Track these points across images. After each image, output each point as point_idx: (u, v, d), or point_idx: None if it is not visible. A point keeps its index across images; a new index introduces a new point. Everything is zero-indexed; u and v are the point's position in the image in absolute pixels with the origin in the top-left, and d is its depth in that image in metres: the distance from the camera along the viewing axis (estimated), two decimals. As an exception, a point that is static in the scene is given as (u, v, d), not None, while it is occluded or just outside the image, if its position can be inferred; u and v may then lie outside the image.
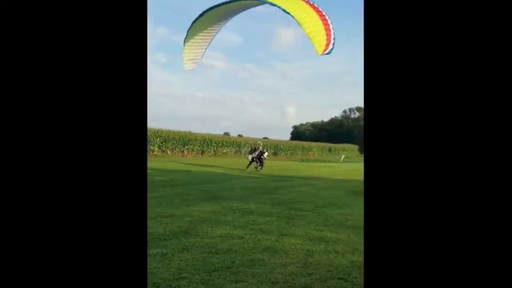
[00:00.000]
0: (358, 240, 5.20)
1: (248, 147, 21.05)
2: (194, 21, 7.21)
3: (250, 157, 18.12)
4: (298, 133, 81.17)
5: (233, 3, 6.79)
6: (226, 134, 48.12)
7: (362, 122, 75.68)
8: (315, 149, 47.84)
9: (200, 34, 7.56)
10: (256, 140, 41.39)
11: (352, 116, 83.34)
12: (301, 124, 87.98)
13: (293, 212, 7.21)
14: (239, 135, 47.51)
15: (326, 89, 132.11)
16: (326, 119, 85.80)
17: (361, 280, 3.66)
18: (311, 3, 5.97)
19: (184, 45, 7.57)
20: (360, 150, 60.45)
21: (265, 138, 52.95)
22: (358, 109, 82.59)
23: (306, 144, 48.36)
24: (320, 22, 5.73)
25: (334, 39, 5.63)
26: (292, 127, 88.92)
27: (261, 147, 18.80)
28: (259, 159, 17.94)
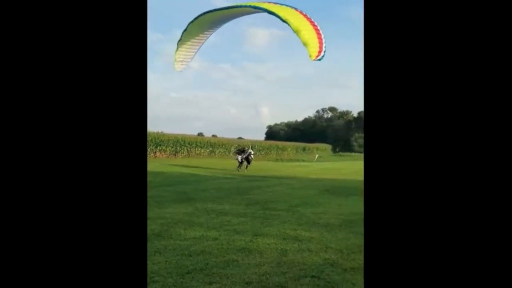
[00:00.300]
0: (330, 238, 5.29)
1: (235, 148, 22.07)
2: (189, 24, 7.49)
3: (239, 157, 19.01)
4: (273, 133, 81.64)
5: (230, 10, 7.16)
6: (200, 134, 47.70)
7: (335, 122, 77.28)
8: (289, 149, 48.29)
9: (193, 37, 7.90)
10: (230, 140, 41.35)
11: (325, 116, 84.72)
12: (276, 124, 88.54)
13: (268, 212, 7.24)
14: (213, 136, 47.26)
15: (299, 90, 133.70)
16: (300, 119, 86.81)
17: (334, 277, 3.73)
18: (305, 14, 6.58)
19: (177, 47, 7.88)
20: (333, 150, 61.71)
21: (240, 138, 52.87)
22: (330, 109, 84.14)
23: (280, 144, 48.72)
24: (314, 31, 6.40)
25: (325, 47, 6.36)
26: (267, 127, 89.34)
27: (247, 148, 19.87)
28: (247, 159, 18.99)
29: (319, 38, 6.49)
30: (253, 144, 31.59)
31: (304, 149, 51.85)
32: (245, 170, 18.72)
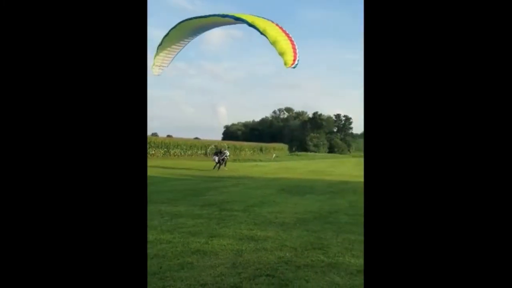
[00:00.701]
0: (286, 236, 5.38)
1: (213, 149, 23.12)
2: (171, 29, 7.81)
3: (216, 158, 20.11)
4: (230, 133, 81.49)
5: (209, 18, 7.59)
6: (154, 134, 46.35)
7: (291, 122, 78.77)
8: (246, 149, 48.48)
9: (173, 43, 8.25)
10: (186, 140, 40.61)
11: (282, 116, 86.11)
12: (233, 124, 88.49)
13: (224, 213, 7.20)
14: (168, 136, 46.16)
15: (256, 90, 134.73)
16: (257, 119, 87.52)
17: (287, 275, 3.80)
18: (280, 26, 7.38)
19: (156, 51, 8.21)
20: (289, 149, 62.91)
21: (196, 138, 52.14)
22: (287, 109, 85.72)
23: (238, 144, 48.75)
24: (289, 42, 7.18)
25: (299, 55, 7.17)
26: (224, 127, 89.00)
27: (224, 149, 21.15)
28: (223, 159, 20.25)
29: (293, 48, 7.26)
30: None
31: (261, 149, 52.30)
32: (225, 168, 19.82)
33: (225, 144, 23.16)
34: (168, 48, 8.35)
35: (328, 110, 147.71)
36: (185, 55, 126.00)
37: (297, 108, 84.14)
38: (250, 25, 7.08)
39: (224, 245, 4.83)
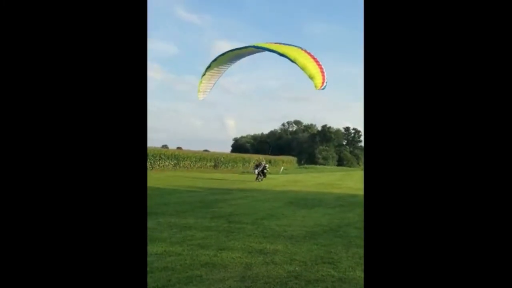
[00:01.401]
0: (295, 250, 5.33)
1: (254, 163, 26.22)
2: (212, 62, 9.71)
3: (256, 171, 22.21)
4: (239, 146, 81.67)
5: (244, 49, 9.32)
6: (164, 146, 46.74)
7: (300, 135, 78.67)
8: (255, 161, 48.47)
9: (214, 72, 10.11)
10: (195, 152, 40.82)
11: (290, 129, 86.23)
12: (242, 137, 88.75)
13: (232, 225, 7.17)
14: (178, 148, 46.45)
15: (264, 103, 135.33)
16: (266, 131, 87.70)
17: (297, 289, 3.74)
18: (309, 52, 8.64)
19: (200, 80, 10.12)
20: (298, 162, 62.65)
21: (206, 150, 52.32)
22: (295, 122, 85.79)
23: (246, 156, 48.79)
24: (317, 66, 8.46)
25: (327, 78, 8.43)
26: (233, 140, 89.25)
27: (263, 162, 23.14)
28: (263, 172, 22.10)
29: (322, 71, 8.50)
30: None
31: (270, 161, 52.24)
32: (261, 180, 21.69)
33: (262, 158, 26.18)
34: (210, 77, 10.14)
35: (337, 123, 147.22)
36: (194, 69, 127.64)
37: (305, 121, 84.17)
38: (281, 54, 8.42)
39: (233, 258, 4.80)
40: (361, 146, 78.26)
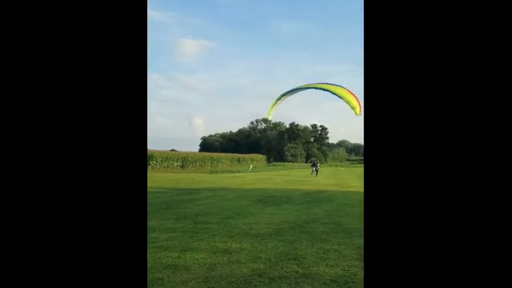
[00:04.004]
0: (260, 248, 5.30)
1: (311, 162, 30.78)
2: (280, 95, 15.16)
3: (314, 168, 27.65)
4: (207, 144, 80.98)
5: (305, 86, 14.71)
6: (130, 147, 45.27)
7: (268, 133, 79.17)
8: (224, 160, 48.21)
9: (279, 101, 15.66)
10: (162, 152, 39.93)
11: (259, 127, 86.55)
12: (210, 135, 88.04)
13: (198, 225, 7.05)
14: (145, 148, 45.15)
15: (232, 102, 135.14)
16: (234, 130, 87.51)
17: (260, 287, 3.71)
18: (348, 89, 13.79)
19: (271, 107, 15.81)
20: (267, 160, 63.05)
21: (173, 150, 51.38)
22: (264, 120, 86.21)
23: (215, 155, 48.42)
24: (355, 99, 13.52)
25: (362, 106, 12.53)
26: (201, 138, 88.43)
27: (317, 162, 28.65)
28: (316, 170, 27.45)
29: (358, 101, 13.54)
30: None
31: (239, 160, 52.18)
32: (315, 175, 26.66)
33: (316, 159, 31.28)
34: (276, 105, 15.89)
35: (304, 120, 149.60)
36: (156, 66, 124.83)
37: (274, 119, 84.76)
38: (333, 93, 13.53)
39: (197, 259, 4.70)
40: (328, 143, 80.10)
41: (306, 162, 66.93)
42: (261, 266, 4.44)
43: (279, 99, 15.28)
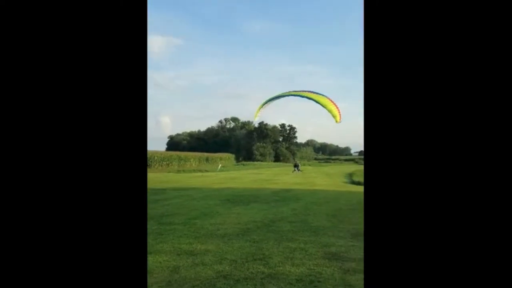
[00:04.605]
0: (226, 249, 5.20)
1: (294, 163, 37.04)
2: (264, 102, 16.13)
3: (296, 168, 33.31)
4: (175, 143, 79.52)
5: (288, 93, 15.42)
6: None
7: (237, 132, 79.04)
8: (192, 159, 47.49)
9: (263, 107, 16.36)
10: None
11: (228, 126, 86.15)
12: (178, 134, 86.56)
13: (163, 227, 6.83)
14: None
15: (201, 100, 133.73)
16: (203, 129, 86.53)
17: (226, 290, 3.62)
18: (328, 96, 14.66)
19: (257, 110, 16.40)
20: (236, 159, 62.90)
21: (139, 149, 49.66)
22: (233, 119, 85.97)
23: (182, 154, 47.56)
24: (335, 107, 14.43)
25: (341, 114, 14.57)
26: (168, 137, 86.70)
27: (298, 163, 36.19)
28: (298, 169, 33.21)
29: (338, 110, 14.49)
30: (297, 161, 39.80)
31: (207, 159, 51.63)
32: (299, 171, 32.10)
33: (299, 162, 38.07)
34: (261, 108, 16.32)
35: (273, 120, 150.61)
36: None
37: (243, 118, 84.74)
38: (316, 101, 14.47)
39: (160, 262, 4.52)
40: (296, 142, 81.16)
41: (275, 161, 67.54)
42: (226, 267, 4.34)
43: (265, 103, 15.88)
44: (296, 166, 34.31)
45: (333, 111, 14.37)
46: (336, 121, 14.43)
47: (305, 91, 14.98)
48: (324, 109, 14.76)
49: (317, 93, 14.61)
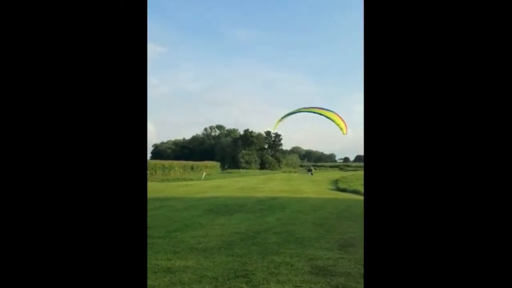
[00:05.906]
0: (207, 265, 4.87)
1: (306, 168, 40.88)
2: (284, 116, 19.56)
3: (310, 172, 37.09)
4: (159, 152, 78.38)
5: (303, 110, 18.66)
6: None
7: (222, 140, 78.58)
8: (176, 168, 46.73)
9: (283, 118, 19.65)
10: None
11: (213, 134, 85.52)
12: (162, 143, 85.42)
13: (141, 241, 6.43)
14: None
15: (185, 108, 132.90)
16: (188, 137, 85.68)
17: (204, 314, 3.29)
18: (336, 113, 17.70)
19: (277, 122, 19.88)
20: (221, 167, 62.33)
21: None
22: (218, 127, 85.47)
23: (167, 163, 46.75)
24: (342, 121, 17.19)
25: (347, 126, 17.59)
26: (153, 146, 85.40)
27: (312, 168, 41.14)
28: (311, 172, 39.53)
29: (345, 123, 16.68)
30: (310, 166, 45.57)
31: (192, 167, 50.94)
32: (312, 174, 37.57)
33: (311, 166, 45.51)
34: (281, 119, 19.01)
35: (258, 127, 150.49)
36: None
37: (228, 126, 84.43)
38: (327, 117, 16.59)
39: (134, 282, 4.15)
40: (281, 149, 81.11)
41: (261, 168, 67.27)
42: (206, 287, 4.01)
43: (284, 117, 18.90)
44: (309, 170, 43.42)
45: (341, 124, 16.65)
46: (343, 133, 16.89)
47: (316, 107, 18.00)
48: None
49: (326, 109, 17.62)
